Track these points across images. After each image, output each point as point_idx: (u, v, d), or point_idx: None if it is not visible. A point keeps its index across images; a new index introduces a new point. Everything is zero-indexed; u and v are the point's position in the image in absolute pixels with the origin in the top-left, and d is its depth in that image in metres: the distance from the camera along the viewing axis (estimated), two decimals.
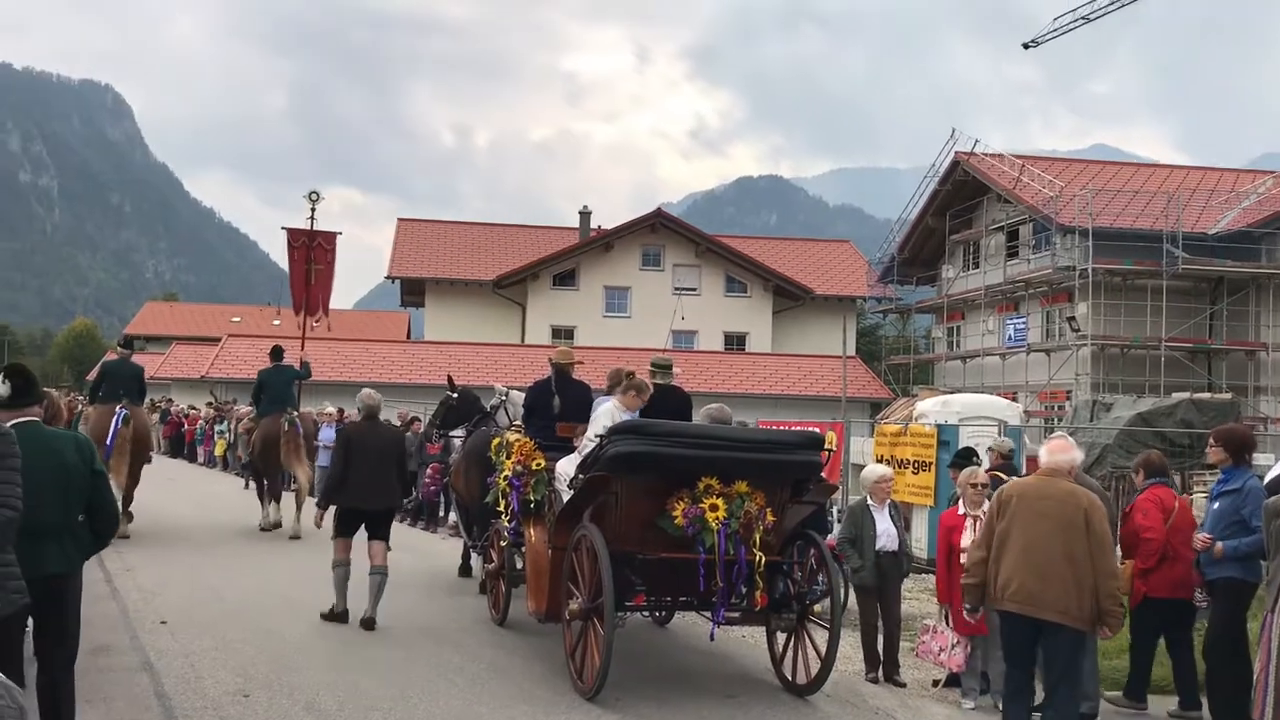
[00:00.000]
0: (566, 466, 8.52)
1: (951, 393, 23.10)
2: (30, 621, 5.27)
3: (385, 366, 36.93)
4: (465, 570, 12.31)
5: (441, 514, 17.33)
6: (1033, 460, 14.40)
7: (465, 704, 7.08)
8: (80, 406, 17.17)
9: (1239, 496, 7.13)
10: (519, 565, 9.31)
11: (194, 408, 33.97)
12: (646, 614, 8.93)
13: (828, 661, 7.37)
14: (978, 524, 7.33)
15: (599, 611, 7.09)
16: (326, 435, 18.14)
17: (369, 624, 9.10)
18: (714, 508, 7.29)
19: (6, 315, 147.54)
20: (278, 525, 15.40)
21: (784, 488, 7.86)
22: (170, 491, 19.77)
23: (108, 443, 13.62)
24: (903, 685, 8.03)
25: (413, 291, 47.18)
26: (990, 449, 10.50)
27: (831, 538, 9.14)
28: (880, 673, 8.10)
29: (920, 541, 13.31)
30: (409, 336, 55.67)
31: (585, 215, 48.51)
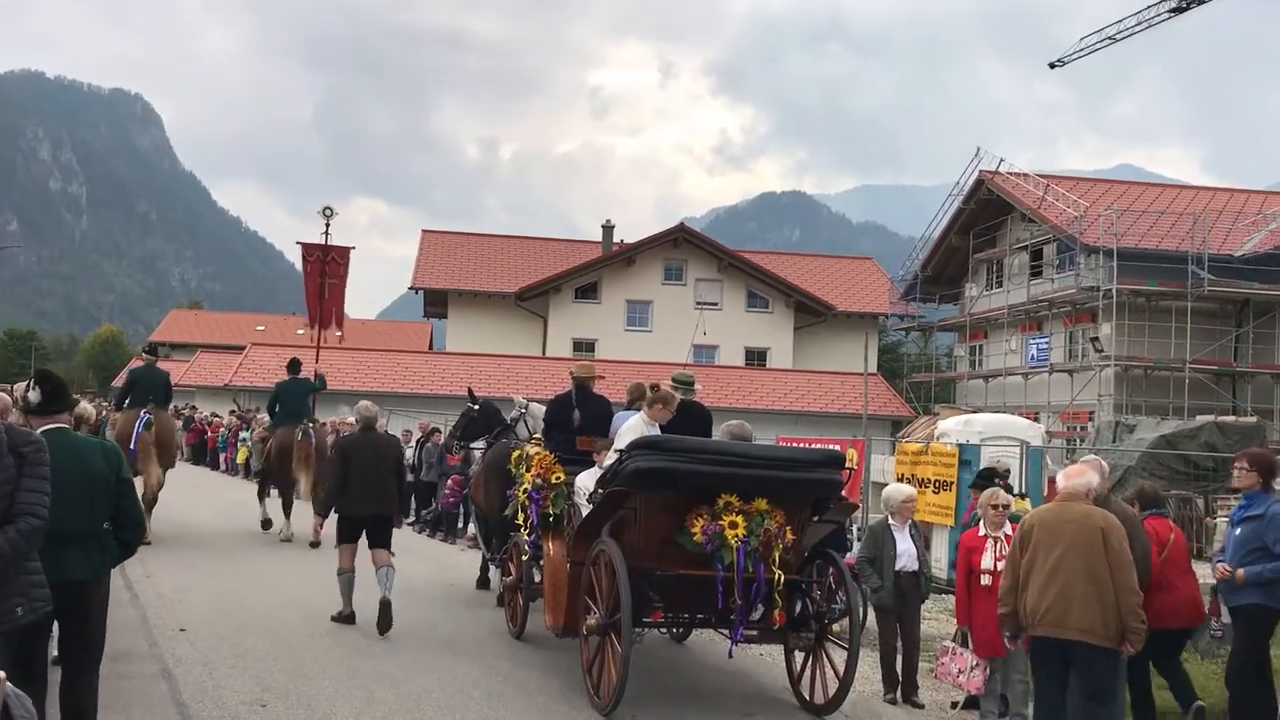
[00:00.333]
0: (586, 481, 8.52)
1: (973, 412, 22.97)
2: (55, 627, 5.32)
3: (407, 377, 37.07)
4: (483, 582, 12.32)
5: (460, 525, 17.35)
6: (1056, 482, 14.34)
7: (481, 718, 7.09)
8: (106, 413, 17.35)
9: (1262, 523, 7.06)
10: (537, 579, 9.31)
11: (217, 415, 34.18)
12: (664, 630, 8.91)
13: (846, 681, 7.33)
14: (998, 545, 7.30)
15: (616, 627, 7.08)
16: None
17: (386, 605, 9.26)
18: (733, 525, 7.28)
19: (34, 321, 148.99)
20: (290, 539, 15.49)
21: (804, 506, 7.84)
22: (192, 498, 19.88)
23: (131, 447, 13.78)
24: (921, 706, 7.99)
25: (436, 303, 47.37)
26: (984, 468, 10.48)
27: (850, 557, 9.12)
28: (899, 694, 8.06)
29: (940, 561, 13.24)
30: (431, 347, 55.88)
31: (608, 229, 48.62)
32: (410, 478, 19.84)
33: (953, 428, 15.59)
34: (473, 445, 13.48)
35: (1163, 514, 7.84)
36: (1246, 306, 33.26)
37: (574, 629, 7.99)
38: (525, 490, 9.16)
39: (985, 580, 7.27)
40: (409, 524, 19.30)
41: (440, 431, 19.52)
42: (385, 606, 9.27)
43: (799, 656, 7.95)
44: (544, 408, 10.63)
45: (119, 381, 38.10)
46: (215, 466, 31.60)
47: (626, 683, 6.94)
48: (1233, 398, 32.74)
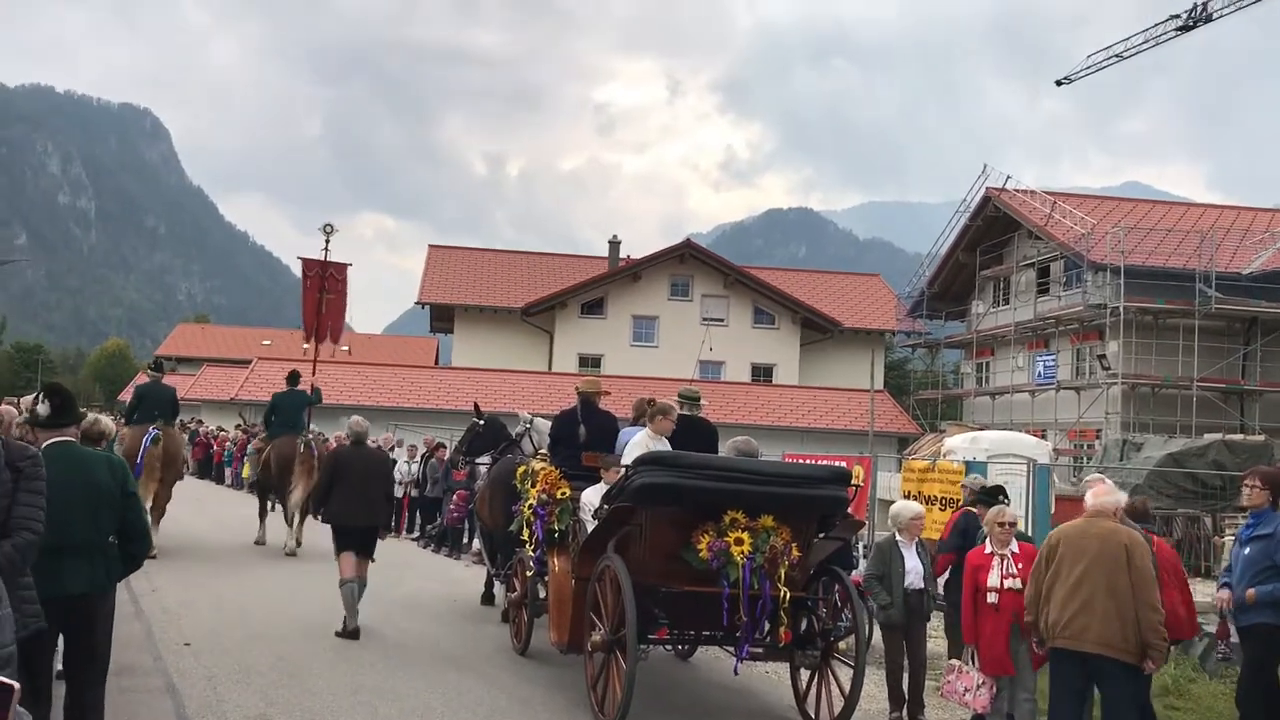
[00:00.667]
0: (592, 496, 8.51)
1: (980, 429, 22.93)
2: (60, 641, 5.31)
3: (413, 391, 37.09)
4: (488, 598, 12.30)
5: (465, 541, 17.33)
6: (1062, 500, 14.30)
7: None
8: (115, 429, 17.53)
9: (1272, 541, 7.02)
10: (542, 595, 9.29)
11: (223, 429, 34.22)
12: (669, 648, 8.88)
13: (852, 700, 7.30)
14: (1004, 563, 7.27)
15: (621, 644, 7.06)
16: None
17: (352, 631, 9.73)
18: (739, 541, 7.26)
19: (42, 335, 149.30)
20: (294, 553, 15.50)
21: (810, 523, 7.83)
22: (197, 512, 19.89)
23: (138, 461, 13.87)
24: None
25: (442, 317, 47.43)
26: (964, 485, 10.49)
27: (857, 574, 9.09)
28: (905, 712, 8.02)
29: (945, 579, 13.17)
30: (437, 362, 55.93)
31: (614, 244, 48.68)
32: (415, 493, 19.95)
33: (959, 445, 15.58)
34: (478, 460, 13.48)
35: (1149, 529, 7.83)
36: (1254, 324, 33.17)
37: (579, 645, 7.97)
38: (530, 505, 9.15)
39: (991, 598, 7.23)
40: (413, 539, 19.35)
41: (445, 446, 19.53)
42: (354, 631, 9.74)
43: (805, 674, 7.92)
44: (549, 423, 10.63)
45: (126, 396, 38.18)
46: (221, 480, 31.63)
47: (631, 700, 6.91)
48: (1240, 416, 32.62)
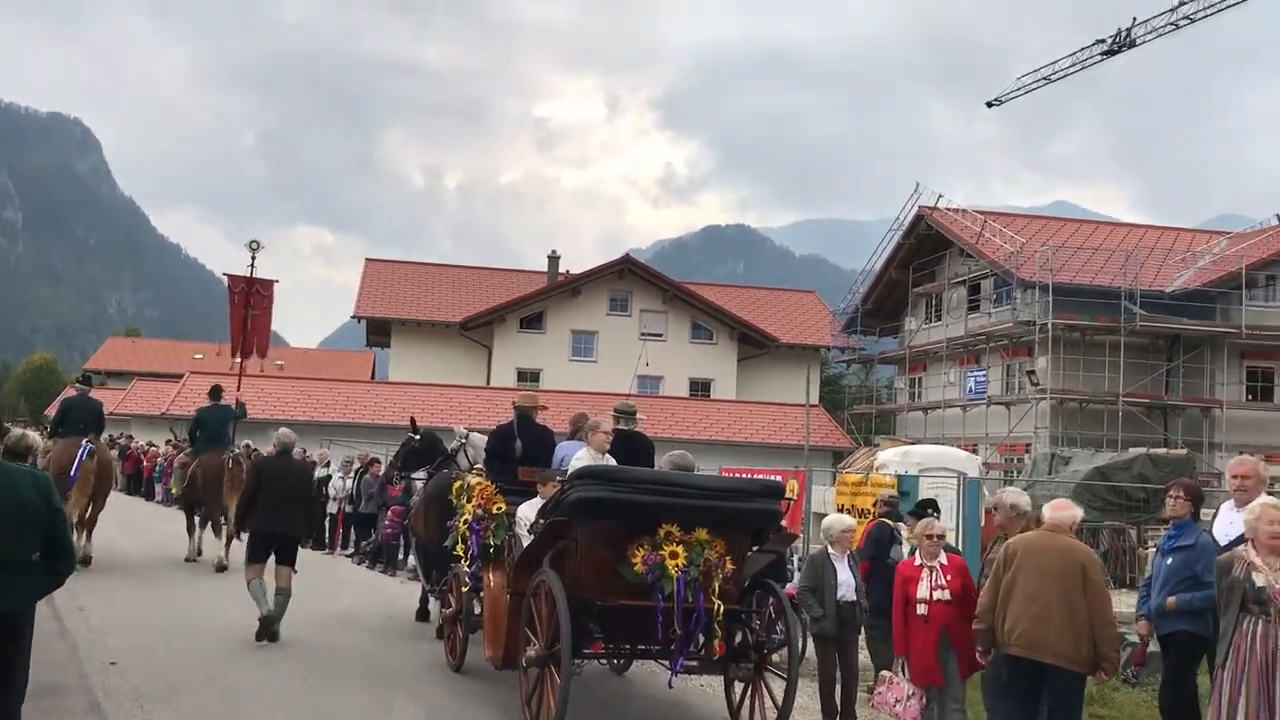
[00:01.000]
0: (528, 511, 8.51)
1: (912, 443, 23.24)
2: None
3: (349, 406, 36.69)
4: (423, 614, 12.20)
5: (401, 557, 17.19)
6: (989, 512, 14.53)
7: None
8: (41, 443, 17.27)
9: (1192, 552, 7.21)
10: (477, 610, 9.26)
11: (153, 444, 33.57)
12: (603, 662, 8.89)
13: (784, 711, 7.37)
14: (933, 574, 7.40)
15: (556, 658, 7.06)
16: None
17: (273, 634, 10.02)
18: (674, 555, 7.29)
19: None
20: (225, 569, 15.28)
21: (744, 536, 7.89)
22: (126, 528, 19.48)
23: (72, 474, 13.68)
24: None
25: (378, 331, 47.02)
26: (876, 501, 10.74)
27: (791, 587, 9.18)
28: None
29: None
30: (374, 377, 55.38)
31: (554, 259, 48.66)
32: (350, 509, 19.76)
33: (891, 459, 15.79)
34: (414, 476, 13.39)
35: None
36: (1177, 341, 34.03)
37: (513, 661, 7.95)
38: (466, 521, 9.12)
39: (921, 610, 7.35)
40: (348, 555, 19.15)
41: (380, 462, 19.37)
42: (269, 622, 10.06)
43: (738, 687, 7.97)
44: (485, 438, 10.62)
45: (52, 410, 37.25)
46: (150, 496, 31.00)
47: (565, 715, 6.90)
48: (1164, 431, 33.44)
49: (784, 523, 8.51)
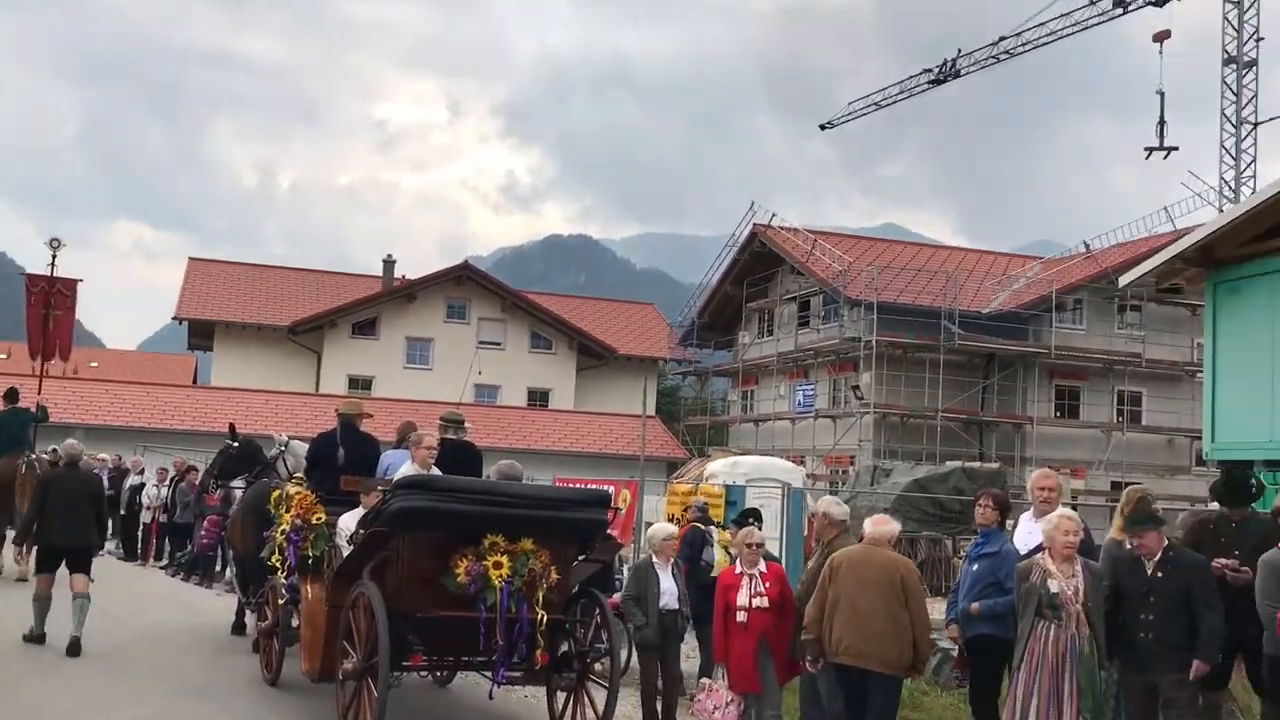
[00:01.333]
0: (349, 521, 8.31)
1: (743, 454, 23.71)
2: None
3: (168, 412, 35.09)
4: (239, 628, 11.76)
5: (219, 568, 16.56)
6: (812, 518, 14.94)
7: None
8: None
9: (997, 560, 7.55)
10: (294, 623, 8.97)
11: None
12: (424, 674, 8.74)
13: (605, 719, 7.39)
14: (753, 582, 7.54)
15: (373, 671, 6.90)
16: None
17: (74, 647, 9.68)
18: (498, 565, 7.24)
19: None
20: (26, 578, 14.42)
21: (570, 545, 7.89)
22: None
23: None
24: None
25: (201, 334, 45.13)
26: (686, 507, 11.04)
27: (618, 596, 9.23)
28: None
29: None
30: (195, 381, 53.15)
31: (389, 263, 47.71)
32: (165, 518, 18.93)
33: (720, 469, 16.09)
34: (232, 484, 12.91)
35: None
36: (992, 360, 35.73)
37: (330, 674, 7.73)
38: (283, 531, 8.83)
39: (741, 617, 7.49)
40: (162, 567, 18.37)
41: (197, 470, 18.63)
42: (75, 643, 9.72)
43: (561, 697, 7.95)
44: (307, 445, 10.32)
45: None
46: None
47: None
48: (979, 445, 35.05)
49: (615, 533, 8.55)
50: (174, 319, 43.76)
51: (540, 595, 7.32)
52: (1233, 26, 35.28)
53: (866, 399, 33.69)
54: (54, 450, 16.80)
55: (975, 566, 7.65)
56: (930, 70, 41.68)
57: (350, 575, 7.61)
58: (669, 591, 8.25)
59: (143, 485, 19.63)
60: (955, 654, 8.34)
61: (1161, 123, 37.23)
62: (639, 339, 47.92)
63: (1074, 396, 36.37)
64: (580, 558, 8.00)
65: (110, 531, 18.29)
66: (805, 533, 14.19)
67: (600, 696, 7.59)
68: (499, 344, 43.16)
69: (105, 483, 15.00)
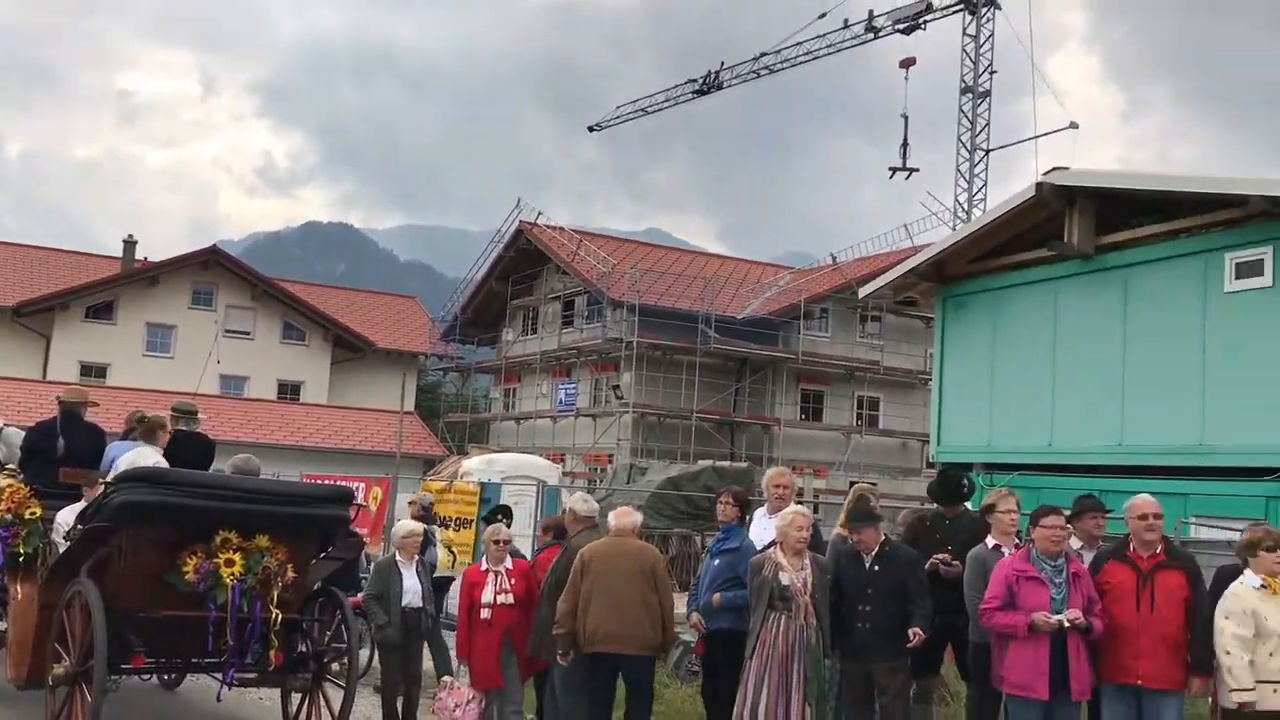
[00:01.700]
0: (68, 516, 7.76)
1: (501, 452, 23.68)
2: None
3: None
4: None
5: None
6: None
7: None
8: None
9: (737, 555, 7.83)
10: (1, 627, 8.29)
11: None
12: (147, 678, 8.26)
13: None
14: (499, 579, 7.54)
15: (88, 675, 6.47)
16: None
17: None
18: (230, 563, 6.94)
19: None
20: None
21: (310, 542, 7.65)
22: None
23: None
24: None
25: None
26: (411, 502, 10.97)
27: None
28: None
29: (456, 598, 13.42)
30: None
31: (130, 244, 44.77)
32: None
33: (476, 466, 16.01)
34: None
35: (562, 544, 8.64)
36: (745, 364, 37.08)
37: (40, 679, 7.19)
38: None
39: (485, 614, 7.48)
40: None
41: None
42: None
43: (297, 698, 7.69)
44: (23, 434, 9.56)
45: None
46: None
47: None
48: (731, 445, 36.30)
49: (365, 531, 8.35)
50: None
51: (275, 594, 7.06)
52: (970, 58, 37.96)
53: (626, 399, 34.28)
54: None
55: (717, 561, 7.91)
56: (695, 80, 42.80)
57: (66, 573, 7.12)
58: (412, 590, 8.12)
59: None
60: (695, 644, 8.60)
61: (905, 145, 39.56)
62: (399, 333, 46.95)
63: (818, 400, 38.20)
64: (320, 555, 7.77)
65: None
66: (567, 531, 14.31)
67: (338, 697, 7.39)
68: (248, 333, 41.38)
69: None
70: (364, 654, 8.79)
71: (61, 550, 7.51)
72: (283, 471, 24.49)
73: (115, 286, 40.60)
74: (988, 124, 38.13)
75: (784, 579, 6.91)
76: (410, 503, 10.62)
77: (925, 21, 37.89)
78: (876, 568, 7.04)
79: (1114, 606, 6.45)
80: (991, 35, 37.72)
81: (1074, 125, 37.43)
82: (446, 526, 9.28)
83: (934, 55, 41.88)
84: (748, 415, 36.70)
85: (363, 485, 19.67)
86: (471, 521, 14.18)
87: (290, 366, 42.68)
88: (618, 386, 34.75)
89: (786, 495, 8.12)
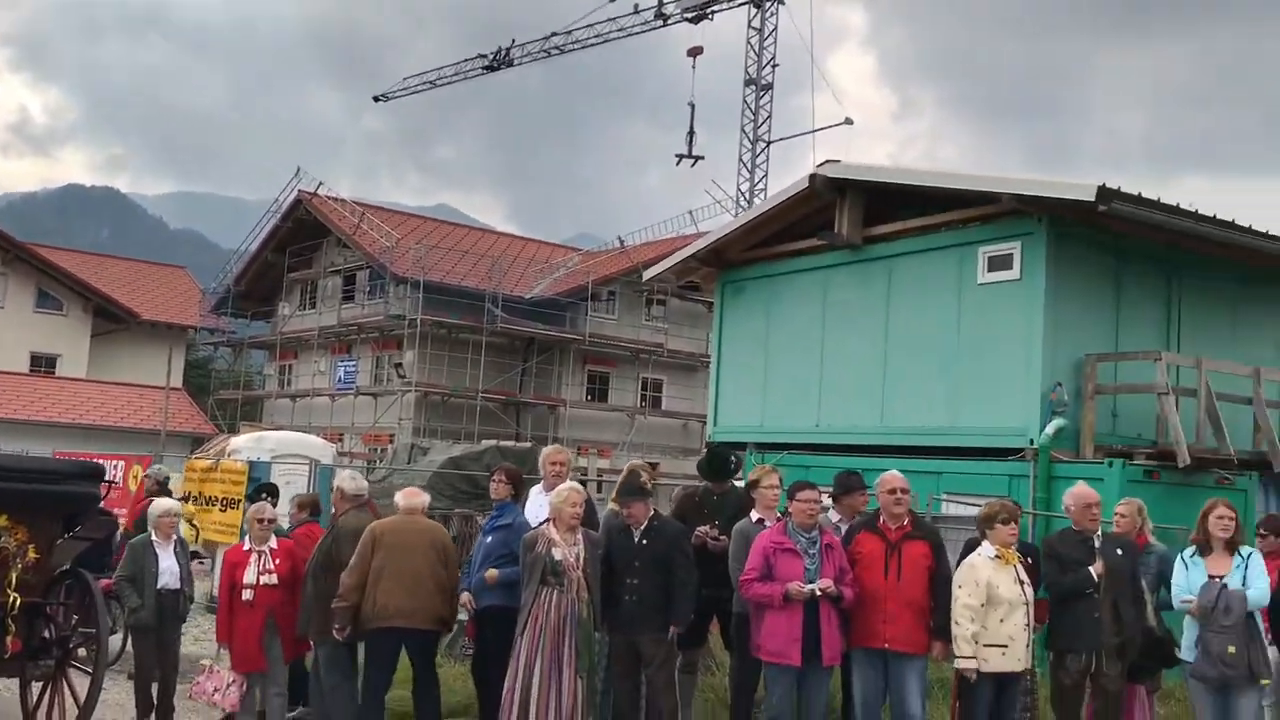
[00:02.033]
0: None
1: (274, 430, 22.84)
2: None
3: None
4: None
5: None
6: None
7: None
8: None
9: (510, 531, 7.86)
10: None
11: None
12: None
13: (87, 710, 6.83)
14: (262, 559, 7.30)
15: None
16: None
17: None
18: None
19: None
20: None
21: (54, 522, 7.19)
22: None
23: None
24: None
25: None
26: (147, 475, 10.60)
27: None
28: (153, 718, 7.66)
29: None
30: None
31: None
32: None
33: (244, 445, 15.38)
34: None
35: (318, 521, 8.71)
36: (532, 344, 37.07)
37: None
38: None
39: (247, 595, 7.23)
40: None
41: None
42: None
43: (37, 687, 7.23)
44: None
45: None
46: None
47: None
48: (516, 425, 36.26)
49: (123, 511, 7.90)
50: None
51: (14, 576, 6.61)
52: (754, 51, 39.09)
53: (409, 377, 33.70)
54: None
55: (490, 538, 7.92)
56: (485, 56, 42.37)
57: None
58: (169, 571, 7.75)
59: None
60: (466, 624, 8.57)
61: (691, 132, 40.43)
62: (167, 304, 44.54)
63: (604, 382, 38.63)
64: (66, 535, 7.31)
65: None
66: (334, 510, 13.94)
67: (84, 685, 6.98)
68: None
69: None
70: (117, 639, 8.36)
71: None
72: (33, 448, 22.91)
73: None
74: (770, 116, 39.41)
75: (556, 554, 6.99)
76: (145, 476, 9.98)
77: (713, 11, 38.79)
78: (645, 541, 7.20)
79: (864, 575, 6.84)
80: (775, 30, 38.95)
81: (849, 121, 39.19)
82: (259, 498, 8.84)
83: (721, 46, 42.89)
84: (534, 396, 36.75)
85: (122, 463, 18.64)
86: (239, 502, 13.61)
87: (45, 338, 39.87)
88: (400, 365, 34.11)
89: (563, 472, 8.20)
